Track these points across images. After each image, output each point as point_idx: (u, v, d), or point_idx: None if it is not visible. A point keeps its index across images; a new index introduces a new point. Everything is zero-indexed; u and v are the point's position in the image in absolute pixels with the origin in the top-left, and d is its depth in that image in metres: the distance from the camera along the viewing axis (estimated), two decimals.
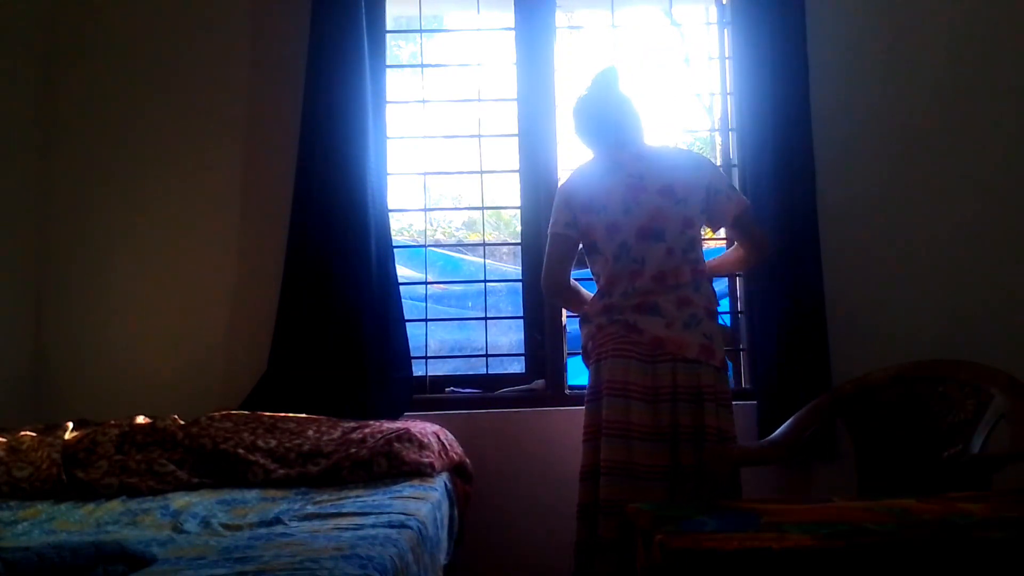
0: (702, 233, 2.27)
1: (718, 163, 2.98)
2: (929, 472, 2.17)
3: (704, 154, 3.19)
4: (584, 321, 2.28)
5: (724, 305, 3.36)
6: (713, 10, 3.02)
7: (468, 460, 2.39)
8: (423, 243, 3.14)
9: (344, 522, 1.64)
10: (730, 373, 2.99)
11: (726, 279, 3.04)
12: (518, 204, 2.89)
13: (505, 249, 4.21)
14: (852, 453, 2.36)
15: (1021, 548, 1.36)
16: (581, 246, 2.33)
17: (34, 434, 2.23)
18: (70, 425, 2.29)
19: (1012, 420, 1.99)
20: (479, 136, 2.94)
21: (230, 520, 1.72)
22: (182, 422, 2.28)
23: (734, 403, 2.69)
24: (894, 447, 2.26)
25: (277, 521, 1.69)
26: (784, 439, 2.29)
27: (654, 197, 2.22)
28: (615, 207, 2.24)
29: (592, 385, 2.22)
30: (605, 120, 2.33)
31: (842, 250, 2.73)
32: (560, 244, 2.32)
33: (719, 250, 3.23)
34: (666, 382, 2.13)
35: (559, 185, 2.42)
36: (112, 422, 2.28)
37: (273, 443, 2.17)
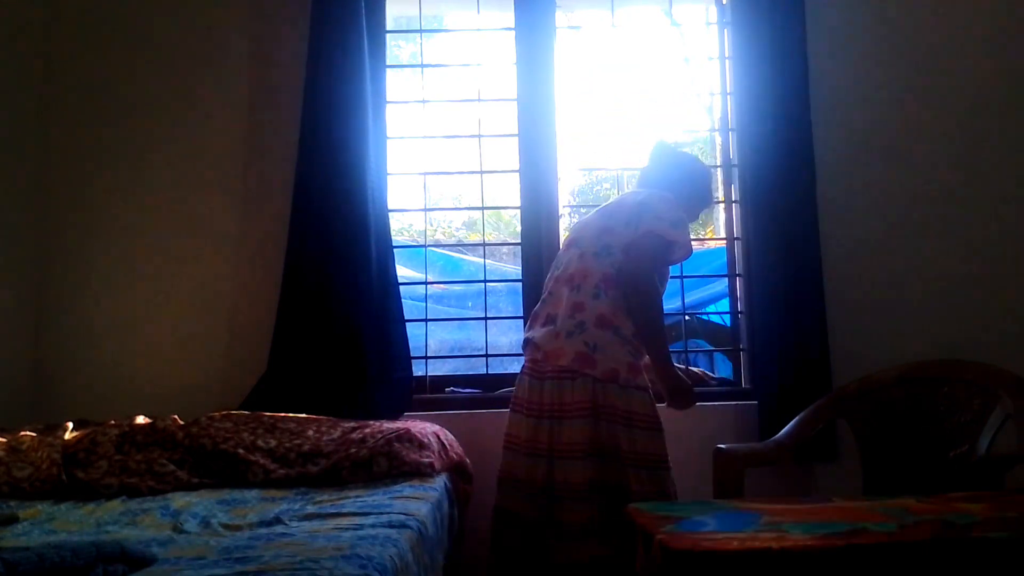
0: (624, 246, 2.16)
1: (717, 162, 2.98)
2: (935, 472, 2.17)
3: (703, 155, 3.18)
4: None
5: (724, 305, 3.37)
6: (713, 10, 3.02)
7: (468, 460, 2.39)
8: (423, 243, 3.14)
9: (344, 522, 1.64)
10: (729, 374, 2.98)
11: (726, 279, 3.04)
12: (518, 204, 2.89)
13: (505, 249, 4.21)
14: (853, 453, 2.36)
15: (1021, 548, 1.36)
16: None
17: (34, 434, 2.23)
18: (70, 425, 2.29)
19: (1019, 420, 1.99)
20: (479, 136, 2.94)
21: (230, 520, 1.72)
22: (182, 422, 2.28)
23: (734, 403, 2.71)
24: (899, 447, 2.26)
25: (277, 521, 1.69)
26: (789, 439, 2.29)
27: (591, 217, 2.33)
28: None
29: None
30: (656, 177, 2.40)
31: (842, 249, 2.73)
32: None
33: (720, 251, 3.24)
34: (548, 399, 2.14)
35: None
36: (112, 422, 2.28)
37: (273, 443, 2.17)
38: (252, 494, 1.94)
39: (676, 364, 2.23)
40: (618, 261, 2.15)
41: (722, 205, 3.00)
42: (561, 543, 2.07)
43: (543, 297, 2.30)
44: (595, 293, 2.14)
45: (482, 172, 2.94)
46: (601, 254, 2.18)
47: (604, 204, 2.39)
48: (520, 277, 2.90)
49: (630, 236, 2.16)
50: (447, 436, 2.37)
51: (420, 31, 3.07)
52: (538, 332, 2.21)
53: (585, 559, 2.03)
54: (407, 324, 2.71)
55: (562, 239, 2.86)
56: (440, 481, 2.10)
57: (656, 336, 2.12)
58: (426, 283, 3.00)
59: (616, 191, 3.97)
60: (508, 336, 3.02)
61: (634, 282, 2.11)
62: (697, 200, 2.40)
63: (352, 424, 2.31)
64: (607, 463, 2.08)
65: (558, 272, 2.29)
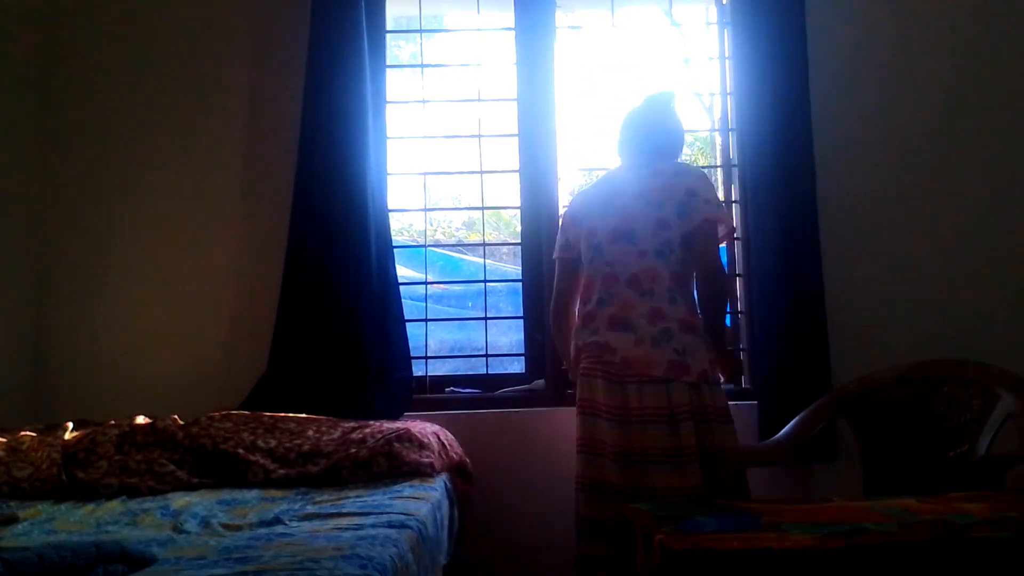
0: (682, 238, 2.16)
1: (717, 162, 2.99)
2: (935, 472, 2.17)
3: (704, 153, 3.17)
4: (574, 337, 2.29)
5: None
6: (713, 10, 3.02)
7: (468, 460, 2.39)
8: (423, 243, 3.14)
9: (344, 522, 1.64)
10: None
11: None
12: (518, 204, 2.89)
13: (505, 249, 4.20)
14: (853, 453, 2.36)
15: (1021, 548, 1.36)
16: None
17: (34, 434, 2.23)
18: (70, 425, 2.29)
19: (1020, 420, 1.99)
20: (479, 136, 2.94)
21: (230, 520, 1.72)
22: (182, 422, 2.28)
23: (735, 403, 2.68)
24: (900, 447, 2.26)
25: (277, 521, 1.69)
26: (789, 439, 2.29)
27: (628, 200, 2.22)
28: (594, 214, 2.28)
29: (576, 402, 2.25)
30: (641, 137, 2.33)
31: (842, 249, 2.73)
32: (561, 269, 2.38)
33: (720, 251, 3.24)
34: (635, 403, 2.09)
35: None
36: (112, 422, 2.28)
37: (273, 443, 2.17)
38: (252, 494, 1.95)
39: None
40: (680, 257, 2.15)
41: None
42: None
43: (598, 296, 2.19)
44: (671, 297, 2.12)
45: (482, 172, 2.94)
46: (664, 251, 2.14)
47: (639, 184, 2.25)
48: (520, 277, 2.90)
49: (686, 228, 2.15)
50: (447, 436, 2.37)
51: (420, 31, 3.07)
52: (610, 336, 2.13)
53: None
54: (407, 324, 2.71)
55: None
56: (440, 481, 2.10)
57: (725, 322, 2.19)
58: (426, 283, 3.00)
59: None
60: (508, 336, 3.01)
61: (719, 277, 2.15)
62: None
63: (352, 424, 2.31)
64: (707, 466, 2.05)
65: (611, 269, 2.18)
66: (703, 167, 3.39)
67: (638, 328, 2.11)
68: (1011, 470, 1.97)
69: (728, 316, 2.21)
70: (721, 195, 2.99)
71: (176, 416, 2.34)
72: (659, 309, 2.11)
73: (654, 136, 2.33)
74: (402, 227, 4.12)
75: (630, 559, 1.63)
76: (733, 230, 2.21)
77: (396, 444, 2.12)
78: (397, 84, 3.03)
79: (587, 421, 2.17)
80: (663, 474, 2.03)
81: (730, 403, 2.68)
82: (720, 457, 2.15)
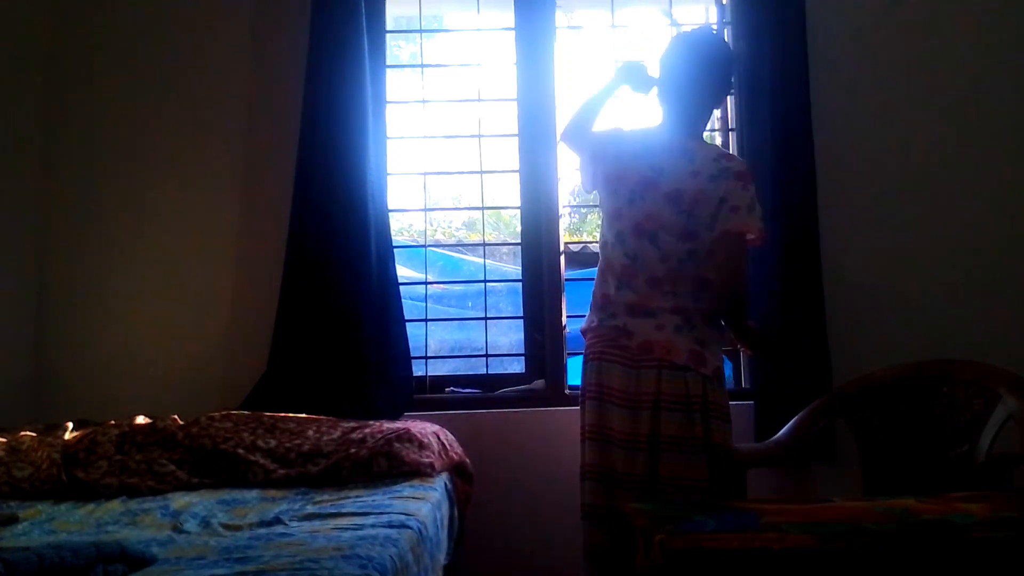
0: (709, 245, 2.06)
1: None
2: (935, 472, 2.17)
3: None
4: (587, 319, 2.22)
5: None
6: (713, 10, 3.02)
7: (468, 460, 2.39)
8: (423, 243, 3.14)
9: (344, 522, 1.64)
10: (729, 374, 2.99)
11: None
12: (518, 204, 2.89)
13: (505, 249, 4.21)
14: (852, 453, 2.36)
15: (1021, 548, 1.36)
16: (597, 192, 2.25)
17: (34, 434, 2.23)
18: (70, 425, 2.30)
19: (1021, 420, 1.99)
20: (479, 136, 2.94)
21: (230, 520, 1.72)
22: (182, 422, 2.28)
23: (734, 403, 2.70)
24: (899, 447, 2.26)
25: (277, 521, 1.69)
26: (789, 439, 2.29)
27: (659, 198, 2.08)
28: (624, 191, 2.14)
29: (581, 386, 2.18)
30: (690, 83, 2.13)
31: (842, 249, 2.72)
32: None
33: None
34: (650, 388, 2.03)
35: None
36: (112, 422, 2.28)
37: (273, 443, 2.17)
38: (252, 494, 1.95)
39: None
40: (706, 265, 2.07)
41: None
42: None
43: (616, 283, 2.11)
44: (695, 296, 2.07)
45: (482, 172, 2.94)
46: (686, 260, 2.07)
47: (675, 182, 2.07)
48: (520, 277, 2.90)
49: (712, 239, 2.05)
50: (447, 436, 2.37)
51: (420, 31, 3.07)
52: (628, 320, 2.08)
53: None
54: (407, 324, 2.71)
55: (562, 240, 2.85)
56: (440, 481, 2.10)
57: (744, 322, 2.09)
58: (426, 283, 3.00)
59: None
60: (508, 336, 3.02)
61: (735, 299, 2.04)
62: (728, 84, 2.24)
63: (352, 424, 2.31)
64: (714, 463, 2.02)
65: (632, 264, 2.09)
66: None
67: (660, 315, 2.07)
68: (1016, 469, 1.98)
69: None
70: None
71: (176, 416, 2.34)
72: (683, 306, 2.07)
73: (711, 98, 2.17)
74: (402, 227, 4.12)
75: (630, 553, 1.63)
76: (761, 236, 2.06)
77: (396, 444, 2.12)
78: (397, 84, 3.03)
79: (596, 407, 2.10)
80: (671, 463, 2.00)
81: (730, 403, 2.70)
82: (724, 456, 2.14)
